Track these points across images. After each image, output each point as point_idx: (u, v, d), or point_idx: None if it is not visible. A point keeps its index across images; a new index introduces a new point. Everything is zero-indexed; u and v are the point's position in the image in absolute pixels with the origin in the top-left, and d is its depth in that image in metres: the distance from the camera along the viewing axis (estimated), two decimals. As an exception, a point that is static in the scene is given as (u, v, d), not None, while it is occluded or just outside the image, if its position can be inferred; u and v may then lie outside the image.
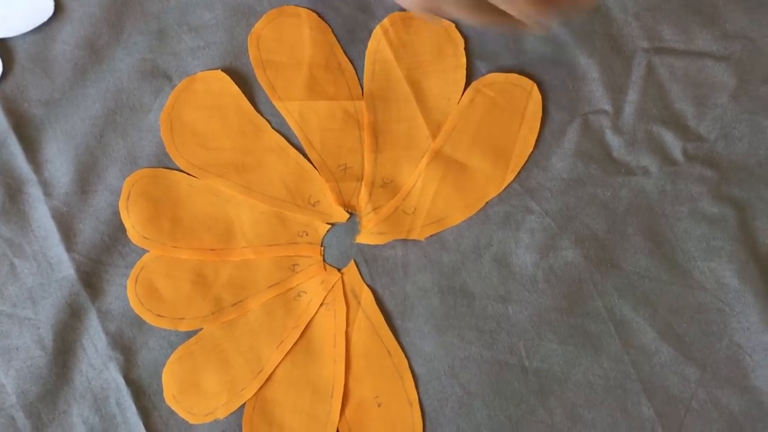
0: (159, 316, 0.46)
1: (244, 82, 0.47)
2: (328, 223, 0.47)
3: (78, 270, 0.46)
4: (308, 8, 0.47)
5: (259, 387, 0.45)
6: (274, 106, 0.47)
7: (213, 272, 0.46)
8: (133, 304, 0.46)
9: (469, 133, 0.46)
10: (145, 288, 0.46)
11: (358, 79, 0.47)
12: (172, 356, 0.45)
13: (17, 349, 0.45)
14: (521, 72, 0.47)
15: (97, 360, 0.45)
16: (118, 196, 0.46)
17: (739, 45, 0.46)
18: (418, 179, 0.46)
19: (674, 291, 0.45)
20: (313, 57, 0.47)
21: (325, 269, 0.46)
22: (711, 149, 0.46)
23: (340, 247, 0.46)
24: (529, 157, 0.46)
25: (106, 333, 0.46)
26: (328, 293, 0.46)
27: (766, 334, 0.44)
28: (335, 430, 0.45)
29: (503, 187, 0.46)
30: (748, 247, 0.45)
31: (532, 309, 0.45)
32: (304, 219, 0.46)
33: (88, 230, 0.46)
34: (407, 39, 0.47)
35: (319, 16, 0.48)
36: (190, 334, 0.46)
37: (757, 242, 0.45)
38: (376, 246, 0.46)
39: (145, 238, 0.46)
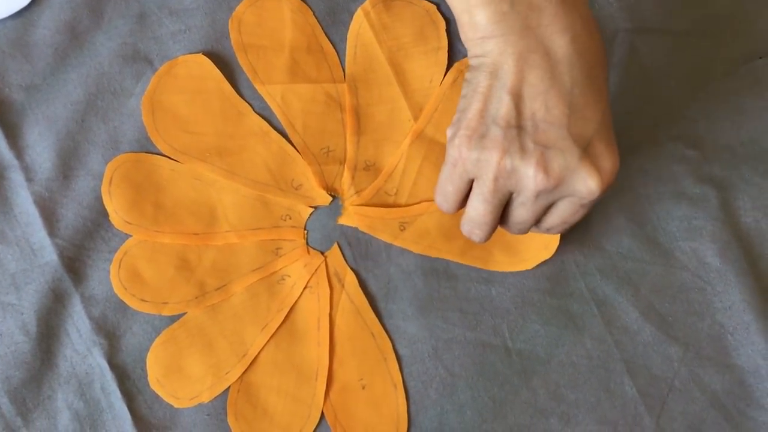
0: (143, 300, 0.46)
1: (226, 65, 0.47)
2: (311, 207, 0.47)
3: (61, 255, 0.46)
4: (289, -9, 0.47)
5: (243, 370, 0.45)
6: (256, 90, 0.47)
7: (196, 256, 0.46)
8: (117, 289, 0.46)
9: (451, 115, 0.46)
10: (129, 273, 0.46)
11: (340, 61, 0.47)
12: (156, 341, 0.45)
13: (1, 335, 0.45)
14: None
15: (81, 345, 0.45)
16: (101, 180, 0.46)
17: (721, 24, 0.46)
18: (400, 161, 0.46)
19: (656, 271, 0.45)
20: (295, 40, 0.47)
21: (309, 252, 0.46)
22: (693, 129, 0.46)
23: (323, 231, 0.46)
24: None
25: (90, 318, 0.45)
26: (311, 276, 0.46)
27: (747, 313, 0.44)
28: (320, 412, 0.45)
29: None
30: (729, 227, 0.45)
31: (515, 290, 0.45)
32: (287, 202, 0.46)
33: (70, 215, 0.46)
34: (389, 21, 0.47)
35: (301, -1, 0.47)
36: (174, 319, 0.46)
37: (739, 222, 0.45)
38: (359, 229, 0.46)
39: (127, 222, 0.46)
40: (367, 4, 0.47)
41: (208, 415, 0.45)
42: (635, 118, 0.46)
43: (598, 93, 0.34)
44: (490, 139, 0.34)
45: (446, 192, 0.38)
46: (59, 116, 0.47)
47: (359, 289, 0.46)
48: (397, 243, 0.46)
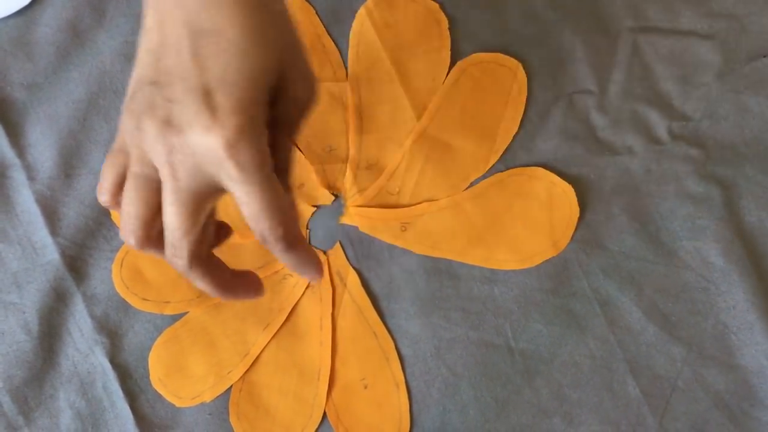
0: (144, 299, 0.45)
1: (228, 64, 0.47)
2: (314, 206, 0.46)
3: (63, 254, 0.46)
4: (292, -11, 0.47)
5: (245, 370, 0.45)
6: (258, 89, 0.47)
7: (198, 255, 0.46)
8: (119, 288, 0.46)
9: (453, 114, 0.46)
10: (131, 272, 0.46)
11: (343, 60, 0.47)
12: (158, 340, 0.45)
13: (2, 333, 0.45)
14: (506, 52, 0.46)
15: (83, 344, 0.45)
16: (102, 179, 0.46)
17: (725, 23, 0.46)
18: (403, 160, 0.46)
19: (660, 271, 0.45)
20: (297, 38, 0.47)
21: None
22: (696, 128, 0.46)
23: (325, 230, 0.46)
24: (514, 137, 0.46)
25: (92, 317, 0.45)
26: (314, 276, 0.46)
27: (751, 313, 0.44)
28: (322, 412, 0.45)
29: (488, 168, 0.46)
30: (733, 226, 0.45)
31: (518, 290, 0.45)
32: (289, 201, 0.46)
33: (72, 214, 0.46)
34: (391, 20, 0.47)
35: (303, -3, 0.47)
36: (176, 318, 0.46)
37: (743, 221, 0.45)
38: (360, 230, 0.46)
39: (129, 221, 0.46)
40: (369, 3, 0.47)
41: (210, 414, 0.45)
42: (638, 116, 0.46)
43: (230, 39, 0.30)
44: (133, 103, 0.31)
45: (104, 176, 0.33)
46: (61, 115, 0.47)
47: (361, 288, 0.46)
48: (399, 243, 0.46)
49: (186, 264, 0.33)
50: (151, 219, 0.32)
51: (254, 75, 0.31)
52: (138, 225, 0.32)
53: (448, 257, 0.45)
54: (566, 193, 0.45)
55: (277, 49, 0.32)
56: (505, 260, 0.45)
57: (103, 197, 0.34)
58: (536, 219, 0.45)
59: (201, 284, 0.34)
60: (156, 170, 0.31)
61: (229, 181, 0.31)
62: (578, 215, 0.45)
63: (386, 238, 0.46)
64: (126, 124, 0.32)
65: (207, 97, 0.30)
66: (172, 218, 0.32)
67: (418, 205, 0.46)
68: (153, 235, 0.33)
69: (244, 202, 0.31)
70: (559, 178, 0.45)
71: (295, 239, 0.33)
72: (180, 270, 0.33)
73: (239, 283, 0.36)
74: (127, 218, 0.32)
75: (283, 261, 0.35)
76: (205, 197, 0.32)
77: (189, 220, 0.32)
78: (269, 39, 0.31)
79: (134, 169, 0.32)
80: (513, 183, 0.46)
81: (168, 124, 0.30)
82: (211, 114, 0.30)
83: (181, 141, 0.30)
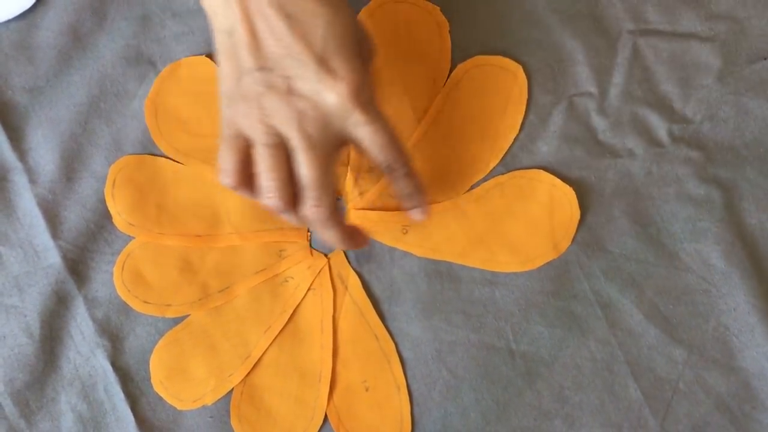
0: (146, 302, 0.46)
1: (229, 67, 0.47)
2: (315, 209, 0.46)
3: (64, 257, 0.46)
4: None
5: (246, 372, 0.45)
6: (259, 92, 0.47)
7: (199, 258, 0.46)
8: (120, 291, 0.46)
9: (454, 117, 0.46)
10: (132, 275, 0.46)
11: (343, 63, 0.47)
12: (160, 343, 0.45)
13: (4, 337, 0.45)
14: (507, 55, 0.46)
15: (84, 347, 0.45)
16: (104, 183, 0.46)
17: (724, 26, 0.46)
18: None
19: (661, 273, 0.45)
20: (298, 42, 0.47)
21: (312, 254, 0.46)
22: (697, 131, 0.46)
23: (326, 232, 0.46)
24: (514, 139, 0.46)
25: (93, 320, 0.45)
26: (315, 278, 0.46)
27: (752, 315, 0.44)
28: (323, 414, 0.45)
29: (488, 170, 0.46)
30: (734, 229, 0.45)
31: (518, 292, 0.45)
32: (290, 204, 0.46)
33: (73, 217, 0.46)
34: (392, 23, 0.47)
35: None
36: (177, 321, 0.46)
37: (744, 223, 0.45)
38: (362, 231, 0.46)
39: (131, 224, 0.46)
40: (370, 6, 0.47)
41: (211, 417, 0.45)
42: (638, 119, 0.46)
43: (320, 17, 0.36)
44: (244, 89, 0.37)
45: (225, 159, 0.38)
46: (62, 118, 0.47)
47: (362, 291, 0.46)
48: (400, 246, 0.46)
49: (328, 212, 0.38)
50: (289, 180, 0.37)
51: (349, 37, 0.37)
52: (282, 187, 0.37)
53: (449, 260, 0.46)
54: (567, 195, 0.45)
55: (349, 10, 0.38)
56: (506, 262, 0.45)
57: (230, 179, 0.38)
58: (537, 221, 0.45)
59: (333, 234, 0.39)
60: (283, 139, 0.37)
61: (357, 126, 0.37)
62: (579, 218, 0.45)
63: (387, 240, 0.46)
64: (239, 109, 0.37)
65: (323, 65, 0.36)
66: (311, 172, 0.37)
67: None
68: (292, 197, 0.38)
69: (371, 139, 0.38)
70: (559, 181, 0.45)
71: (413, 167, 0.40)
72: (320, 221, 0.38)
73: (355, 234, 0.41)
74: (271, 184, 0.37)
75: (400, 187, 0.41)
76: (333, 150, 0.38)
77: (325, 171, 0.37)
78: (343, 4, 0.37)
79: (263, 142, 0.37)
80: (514, 186, 0.46)
81: (292, 94, 0.36)
82: (332, 76, 0.36)
83: (310, 104, 0.36)
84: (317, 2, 0.36)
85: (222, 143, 0.38)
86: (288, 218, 0.39)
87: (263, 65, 0.36)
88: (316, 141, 0.37)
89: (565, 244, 0.45)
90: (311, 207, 0.38)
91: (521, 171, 0.46)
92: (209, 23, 0.38)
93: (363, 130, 0.37)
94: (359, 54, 0.37)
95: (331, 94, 0.36)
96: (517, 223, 0.45)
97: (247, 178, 0.38)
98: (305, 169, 0.37)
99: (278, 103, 0.36)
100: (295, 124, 0.36)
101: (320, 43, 0.36)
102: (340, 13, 0.37)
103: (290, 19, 0.36)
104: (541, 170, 0.46)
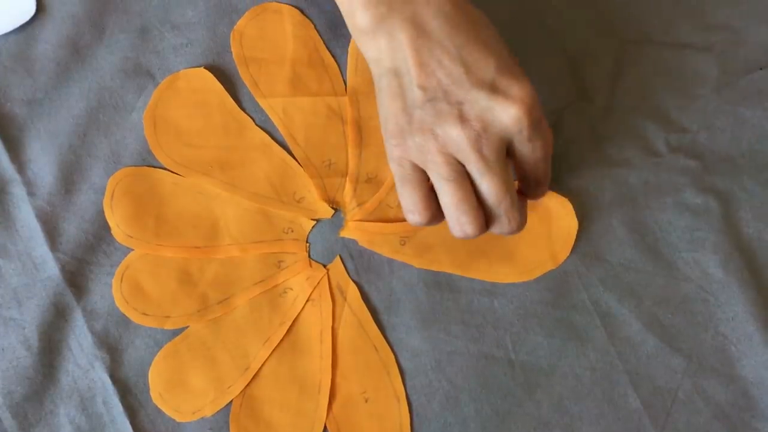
0: (145, 314, 0.45)
1: (227, 79, 0.47)
2: (313, 219, 0.47)
3: (63, 269, 0.46)
4: (291, 4, 0.47)
5: (245, 384, 0.45)
6: (258, 103, 0.47)
7: (198, 270, 0.46)
8: (119, 303, 0.46)
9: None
10: (131, 287, 0.46)
11: (342, 74, 0.47)
12: (159, 354, 0.45)
13: (2, 349, 0.45)
14: (504, 66, 0.47)
15: (83, 359, 0.45)
16: (103, 195, 0.46)
17: (721, 36, 0.46)
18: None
19: (659, 282, 0.45)
20: (296, 53, 0.47)
21: (311, 265, 0.46)
22: (694, 140, 0.46)
23: (325, 243, 0.46)
24: (512, 150, 0.46)
25: (92, 332, 0.45)
26: (314, 289, 0.46)
27: (750, 324, 0.44)
28: (323, 426, 0.45)
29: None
30: (732, 238, 0.45)
31: (517, 302, 0.45)
32: (289, 215, 0.46)
33: (72, 229, 0.46)
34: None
35: (302, 12, 0.47)
36: (176, 333, 0.46)
37: (741, 232, 0.45)
38: (359, 244, 0.46)
39: (129, 236, 0.46)
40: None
41: (210, 429, 0.45)
42: (635, 128, 0.46)
43: (485, 46, 0.38)
44: (416, 123, 0.38)
45: (408, 198, 0.39)
46: (61, 130, 0.47)
47: (362, 302, 0.46)
48: (398, 258, 0.46)
49: (520, 222, 0.39)
50: (478, 207, 0.38)
51: (509, 56, 0.38)
52: (474, 214, 0.38)
53: (448, 271, 0.46)
54: (564, 206, 0.45)
55: (491, 26, 0.39)
56: (504, 273, 0.45)
57: (419, 218, 0.40)
58: (535, 232, 0.45)
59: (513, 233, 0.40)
60: (461, 166, 0.38)
61: (526, 141, 0.38)
62: (577, 228, 0.45)
63: (385, 252, 0.46)
64: (410, 145, 0.38)
65: (492, 86, 0.37)
66: (495, 192, 0.38)
67: None
68: (484, 223, 0.39)
69: (533, 152, 0.38)
70: (556, 194, 0.46)
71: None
72: (517, 231, 0.39)
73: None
74: (466, 212, 0.38)
75: (541, 194, 0.42)
76: (506, 163, 0.38)
77: (507, 186, 0.38)
78: (499, 37, 0.39)
79: (443, 174, 0.38)
80: None
81: (465, 120, 0.37)
82: (503, 95, 0.37)
83: (483, 125, 0.37)
84: (479, 40, 0.38)
85: (400, 183, 0.39)
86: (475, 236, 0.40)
87: (433, 96, 0.37)
88: (493, 161, 0.37)
89: (563, 255, 0.45)
90: (505, 225, 0.39)
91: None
92: (371, 67, 0.40)
93: (527, 146, 0.38)
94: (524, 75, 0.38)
95: (506, 111, 0.37)
96: (516, 235, 0.45)
97: (435, 211, 0.39)
98: (491, 190, 0.38)
99: (452, 130, 0.37)
100: (472, 147, 0.37)
101: (490, 73, 0.37)
102: (501, 44, 0.38)
103: (458, 55, 0.37)
104: None
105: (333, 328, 0.46)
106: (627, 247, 0.45)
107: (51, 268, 0.46)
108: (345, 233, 0.46)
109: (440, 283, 0.46)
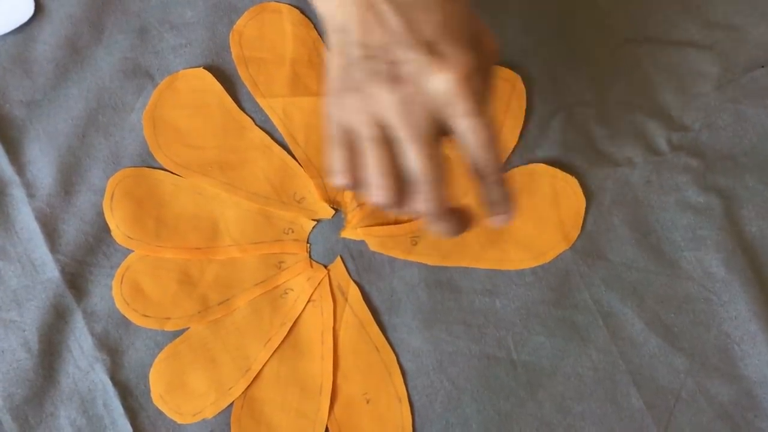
0: (145, 316, 0.45)
1: (227, 79, 0.47)
2: (314, 220, 0.46)
3: (62, 271, 0.45)
4: (290, 4, 0.47)
5: (246, 386, 0.45)
6: (258, 103, 0.47)
7: (199, 271, 0.46)
8: (119, 305, 0.45)
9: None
10: (131, 288, 0.45)
11: (342, 74, 0.47)
12: (159, 356, 0.45)
13: (2, 352, 0.45)
14: (506, 64, 0.47)
15: (83, 361, 0.45)
16: (102, 196, 0.46)
17: (723, 34, 0.46)
18: (403, 173, 0.46)
19: (661, 281, 0.45)
20: (296, 53, 0.47)
21: (312, 266, 0.46)
22: (695, 139, 0.46)
23: (326, 244, 0.46)
24: (513, 149, 0.46)
25: (92, 334, 0.45)
26: (314, 290, 0.46)
27: (753, 323, 0.44)
28: (324, 427, 0.45)
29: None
30: (734, 236, 0.45)
31: (519, 302, 0.45)
32: (289, 216, 0.46)
33: (72, 231, 0.46)
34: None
35: (301, 11, 0.47)
36: (176, 334, 0.45)
37: (743, 231, 0.45)
38: (362, 242, 0.46)
39: (129, 238, 0.46)
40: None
41: (211, 430, 0.45)
42: (637, 127, 0.46)
43: (436, 4, 0.35)
44: (352, 82, 0.35)
45: (336, 159, 0.36)
46: (60, 132, 0.46)
47: (363, 302, 0.45)
48: (411, 258, 0.45)
49: (442, 205, 0.35)
50: (397, 174, 0.35)
51: (461, 25, 0.35)
52: (392, 181, 0.35)
53: (462, 264, 0.45)
54: (570, 185, 0.45)
55: (465, 1, 0.36)
56: (519, 260, 0.45)
57: (344, 179, 0.36)
58: (544, 214, 0.45)
59: (446, 226, 0.36)
60: (387, 129, 0.35)
61: (461, 116, 0.34)
62: (585, 205, 0.45)
63: (398, 254, 0.46)
64: (345, 104, 0.35)
65: (431, 49, 0.34)
66: (421, 164, 0.34)
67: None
68: (402, 193, 0.36)
69: (472, 134, 0.34)
70: (560, 172, 0.45)
71: (504, 174, 0.37)
72: (435, 212, 0.35)
73: (463, 219, 0.37)
74: (380, 179, 0.35)
75: (488, 193, 0.37)
76: (438, 140, 0.35)
77: (434, 160, 0.35)
78: None
79: (369, 135, 0.35)
80: (516, 182, 0.46)
81: (398, 80, 0.34)
82: (440, 59, 0.34)
83: (415, 89, 0.34)
84: (427, 3, 0.35)
85: (332, 143, 0.37)
86: (397, 213, 0.37)
87: (370, 54, 0.35)
88: (422, 130, 0.34)
89: (575, 233, 0.45)
90: (424, 201, 0.35)
91: (521, 168, 0.46)
92: (325, 24, 0.37)
93: (463, 123, 0.34)
94: (473, 45, 0.35)
95: (437, 77, 0.34)
96: (525, 219, 0.45)
97: (359, 177, 0.36)
98: (414, 161, 0.35)
99: (382, 90, 0.34)
100: (400, 111, 0.34)
101: (429, 29, 0.34)
102: (452, 2, 0.35)
103: (403, 9, 0.34)
104: (540, 164, 0.46)
105: (334, 329, 0.45)
106: (629, 246, 0.45)
107: (51, 270, 0.45)
108: (347, 233, 0.46)
109: (441, 283, 0.45)
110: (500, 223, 0.38)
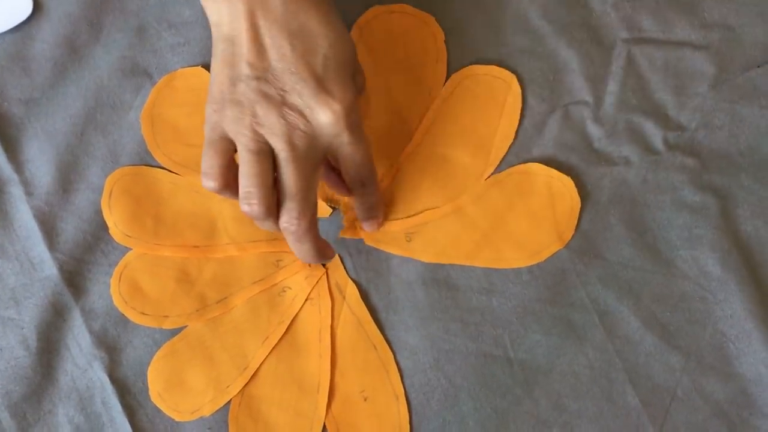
0: (143, 314, 0.45)
1: (225, 78, 0.47)
2: (312, 218, 0.46)
3: (61, 269, 0.46)
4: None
5: (244, 384, 0.45)
6: (256, 102, 0.47)
7: (197, 269, 0.46)
8: (117, 303, 0.45)
9: (449, 126, 0.46)
10: (129, 286, 0.46)
11: (339, 73, 0.47)
12: (157, 354, 0.45)
13: (1, 349, 0.45)
14: (502, 64, 0.47)
15: (81, 359, 0.45)
16: (100, 194, 0.46)
17: (718, 34, 0.46)
18: (399, 172, 0.46)
19: (657, 280, 0.45)
20: (294, 52, 0.47)
21: (309, 264, 0.46)
22: (691, 138, 0.46)
23: (323, 242, 0.46)
24: (509, 148, 0.46)
25: (90, 332, 0.45)
26: (312, 288, 0.46)
27: (749, 322, 0.44)
28: (322, 425, 0.45)
29: (484, 179, 0.46)
30: (730, 235, 0.45)
31: (516, 300, 0.45)
32: (287, 214, 0.46)
33: (70, 229, 0.46)
34: (387, 32, 0.47)
35: (299, 11, 0.47)
36: (174, 332, 0.46)
37: (739, 230, 0.45)
38: (360, 240, 0.46)
39: (127, 236, 0.46)
40: (365, 16, 0.47)
41: (209, 428, 0.45)
42: (633, 127, 0.46)
43: (325, 31, 0.38)
44: (238, 95, 0.37)
45: (208, 162, 0.38)
46: (58, 130, 0.47)
47: (360, 300, 0.46)
48: (406, 254, 0.46)
49: (308, 224, 0.39)
50: (271, 188, 0.38)
51: (348, 62, 0.39)
52: (264, 194, 0.38)
53: (457, 263, 0.45)
54: (565, 184, 0.45)
55: (349, 37, 0.40)
56: (513, 259, 0.45)
57: (213, 183, 0.38)
58: (539, 214, 0.45)
59: (307, 248, 0.40)
60: (269, 146, 0.37)
61: (343, 144, 0.39)
62: (580, 204, 0.45)
63: (392, 249, 0.46)
64: (227, 114, 0.38)
65: (321, 84, 0.37)
66: (296, 183, 0.38)
67: (420, 214, 0.46)
68: (272, 206, 0.38)
69: (353, 158, 0.39)
70: (556, 171, 0.45)
71: (378, 186, 0.43)
72: (298, 233, 0.39)
73: (325, 248, 0.42)
74: (252, 190, 0.38)
75: (365, 201, 0.43)
76: (318, 164, 0.39)
77: (309, 182, 0.38)
78: (344, 30, 0.39)
79: (249, 147, 0.37)
80: (512, 182, 0.46)
81: (286, 107, 0.37)
82: (328, 96, 0.37)
83: (302, 120, 0.37)
84: (322, 24, 0.38)
85: (206, 146, 0.39)
86: (264, 226, 0.39)
87: (261, 75, 0.37)
88: (302, 154, 0.38)
89: (569, 233, 0.45)
90: (292, 219, 0.38)
91: (517, 167, 0.46)
92: (211, 29, 0.39)
93: (347, 149, 0.39)
94: (353, 80, 0.39)
95: (325, 113, 0.37)
96: (520, 218, 0.45)
97: (230, 182, 0.39)
98: (290, 179, 0.38)
99: (270, 113, 0.37)
100: (285, 135, 0.37)
101: (321, 64, 0.38)
102: (341, 39, 0.38)
103: (294, 37, 0.37)
104: (536, 163, 0.46)
105: (332, 327, 0.46)
106: (625, 245, 0.45)
107: (49, 268, 0.46)
108: (350, 234, 0.46)
109: (439, 281, 0.46)
110: (370, 228, 0.45)
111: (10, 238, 0.46)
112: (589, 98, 0.46)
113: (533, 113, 0.46)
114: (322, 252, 0.41)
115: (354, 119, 0.38)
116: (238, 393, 0.45)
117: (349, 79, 0.39)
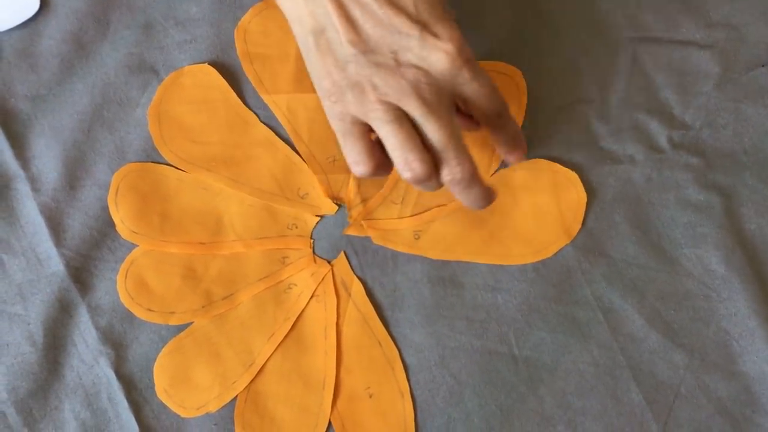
0: (149, 310, 0.46)
1: (232, 75, 0.47)
2: (318, 216, 0.47)
3: (67, 265, 0.46)
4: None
5: (250, 380, 0.45)
6: (262, 99, 0.47)
7: (203, 266, 0.46)
8: (123, 299, 0.46)
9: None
10: (135, 282, 0.46)
11: (346, 71, 0.47)
12: (163, 350, 0.45)
13: (7, 345, 0.45)
14: (508, 61, 0.47)
15: (87, 355, 0.45)
16: (107, 190, 0.46)
17: (723, 33, 0.47)
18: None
19: (662, 278, 0.45)
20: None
21: (315, 261, 0.46)
22: (696, 137, 0.46)
23: (329, 239, 0.47)
24: (516, 146, 0.46)
25: (97, 328, 0.45)
26: (318, 285, 0.46)
27: (753, 320, 0.45)
28: (327, 421, 0.45)
29: (490, 176, 0.46)
30: (734, 234, 0.45)
31: (521, 298, 0.46)
32: (293, 211, 0.47)
33: (76, 225, 0.46)
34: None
35: (306, 8, 0.47)
36: (180, 328, 0.46)
37: (743, 228, 0.46)
38: (365, 238, 0.46)
39: (134, 232, 0.46)
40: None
41: (215, 424, 0.45)
42: (638, 125, 0.46)
43: None
44: (353, 77, 0.37)
45: (352, 150, 0.39)
46: (65, 126, 0.47)
47: (366, 297, 0.46)
48: (414, 252, 0.46)
49: (471, 168, 0.38)
50: (423, 147, 0.38)
51: (441, 3, 0.38)
52: (420, 153, 0.37)
53: (464, 259, 0.46)
54: (571, 180, 0.46)
55: None
56: (521, 255, 0.45)
57: (365, 167, 0.39)
58: (545, 209, 0.46)
59: (477, 192, 0.39)
60: (402, 111, 0.37)
61: (466, 82, 0.38)
62: (586, 199, 0.45)
63: (400, 247, 0.46)
64: (349, 99, 0.38)
65: (424, 30, 0.37)
66: (443, 134, 0.37)
67: (428, 212, 0.46)
68: (433, 164, 0.38)
69: (480, 92, 0.39)
70: (561, 167, 0.46)
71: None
72: (465, 179, 0.38)
73: (492, 191, 0.41)
74: (410, 156, 0.37)
75: (506, 132, 0.42)
76: (452, 108, 0.38)
77: (453, 129, 0.38)
78: None
79: (385, 119, 0.37)
80: (517, 178, 0.46)
81: (401, 67, 0.37)
82: (437, 39, 0.37)
83: (421, 72, 0.37)
84: None
85: (341, 137, 0.39)
86: (428, 188, 0.39)
87: (365, 49, 0.37)
88: (435, 104, 0.37)
89: (576, 227, 0.45)
90: (454, 168, 0.38)
91: (522, 163, 0.46)
92: (292, 28, 0.40)
93: (471, 86, 0.38)
94: (449, 12, 0.38)
95: (439, 58, 0.37)
96: (526, 214, 0.46)
97: (380, 161, 0.39)
98: (435, 133, 0.37)
99: (389, 79, 0.37)
100: (413, 94, 0.37)
101: (415, 12, 0.37)
102: None
103: (382, 1, 0.37)
104: (541, 159, 0.46)
105: (337, 324, 0.46)
106: (630, 243, 0.46)
107: (55, 264, 0.46)
108: (357, 232, 0.46)
109: (444, 279, 0.46)
110: (519, 158, 0.43)
111: (16, 234, 0.46)
112: (594, 96, 0.47)
113: (538, 111, 0.47)
114: (492, 194, 0.40)
115: (467, 54, 0.37)
116: (243, 389, 0.45)
117: (446, 12, 0.38)
